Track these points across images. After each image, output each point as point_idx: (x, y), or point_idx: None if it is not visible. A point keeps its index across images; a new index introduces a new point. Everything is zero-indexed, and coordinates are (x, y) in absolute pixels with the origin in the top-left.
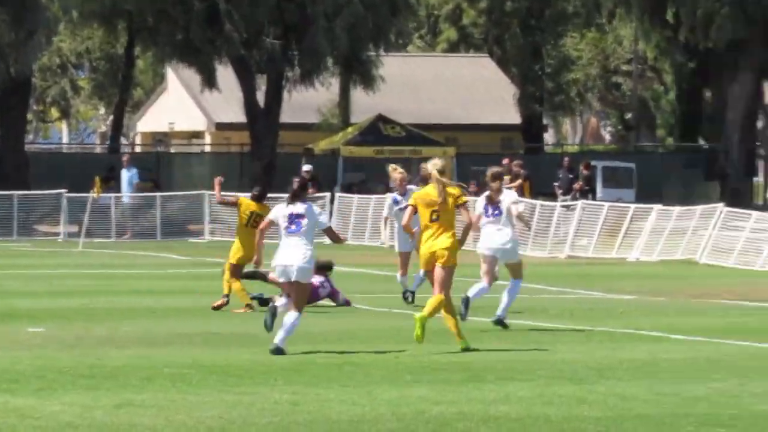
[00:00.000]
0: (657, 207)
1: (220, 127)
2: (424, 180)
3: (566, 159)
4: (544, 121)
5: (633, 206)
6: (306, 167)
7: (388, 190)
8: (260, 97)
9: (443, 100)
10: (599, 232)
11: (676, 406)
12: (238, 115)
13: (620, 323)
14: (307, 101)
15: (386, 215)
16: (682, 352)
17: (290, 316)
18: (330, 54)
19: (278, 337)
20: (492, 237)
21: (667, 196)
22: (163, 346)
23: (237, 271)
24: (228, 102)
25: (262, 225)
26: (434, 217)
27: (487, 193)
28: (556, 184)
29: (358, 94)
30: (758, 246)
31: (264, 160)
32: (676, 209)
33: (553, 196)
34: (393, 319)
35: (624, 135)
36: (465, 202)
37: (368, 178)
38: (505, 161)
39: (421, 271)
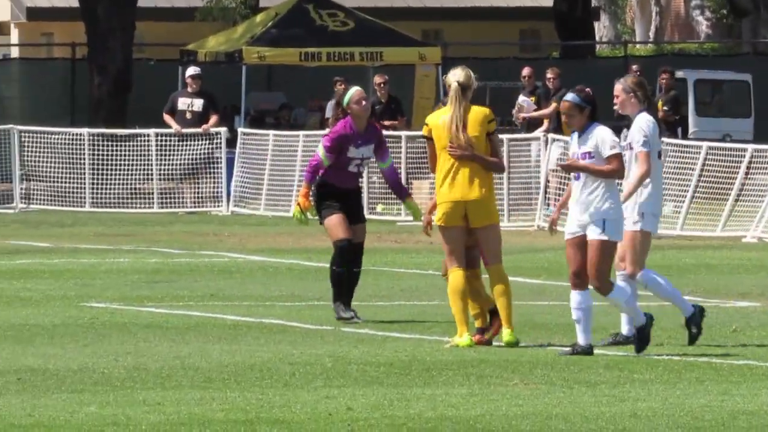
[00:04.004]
0: None
1: (35, 15)
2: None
3: (634, 67)
4: (594, 3)
5: (751, 147)
6: (193, 70)
7: (325, 122)
8: None
9: None
10: (693, 194)
11: None
12: None
13: (731, 349)
14: None
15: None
16: None
17: None
18: None
19: None
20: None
21: None
22: None
23: None
24: None
25: None
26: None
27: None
28: (617, 107)
29: None
30: None
31: (111, 71)
32: None
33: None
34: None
35: (732, 25)
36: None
37: (292, 102)
38: (526, 71)
39: None
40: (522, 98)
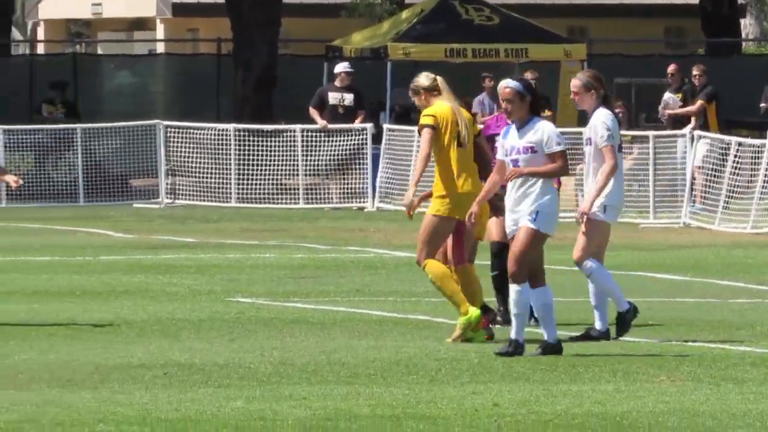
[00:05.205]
0: None
1: (180, 10)
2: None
3: None
4: (740, 1)
5: None
6: (346, 65)
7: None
8: None
9: None
10: None
11: None
12: None
13: None
14: None
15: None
16: None
17: None
18: None
19: None
20: None
21: None
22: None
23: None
24: None
25: None
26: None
27: None
28: (763, 105)
29: None
30: None
31: (256, 67)
32: None
33: (758, 130)
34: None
35: None
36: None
37: None
38: (672, 68)
39: None
40: (667, 95)
